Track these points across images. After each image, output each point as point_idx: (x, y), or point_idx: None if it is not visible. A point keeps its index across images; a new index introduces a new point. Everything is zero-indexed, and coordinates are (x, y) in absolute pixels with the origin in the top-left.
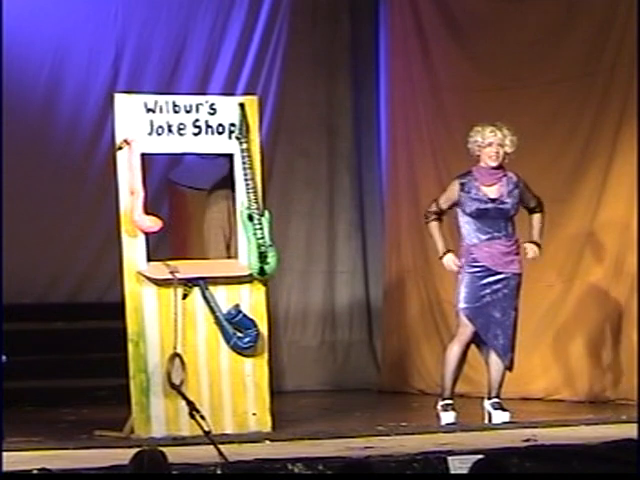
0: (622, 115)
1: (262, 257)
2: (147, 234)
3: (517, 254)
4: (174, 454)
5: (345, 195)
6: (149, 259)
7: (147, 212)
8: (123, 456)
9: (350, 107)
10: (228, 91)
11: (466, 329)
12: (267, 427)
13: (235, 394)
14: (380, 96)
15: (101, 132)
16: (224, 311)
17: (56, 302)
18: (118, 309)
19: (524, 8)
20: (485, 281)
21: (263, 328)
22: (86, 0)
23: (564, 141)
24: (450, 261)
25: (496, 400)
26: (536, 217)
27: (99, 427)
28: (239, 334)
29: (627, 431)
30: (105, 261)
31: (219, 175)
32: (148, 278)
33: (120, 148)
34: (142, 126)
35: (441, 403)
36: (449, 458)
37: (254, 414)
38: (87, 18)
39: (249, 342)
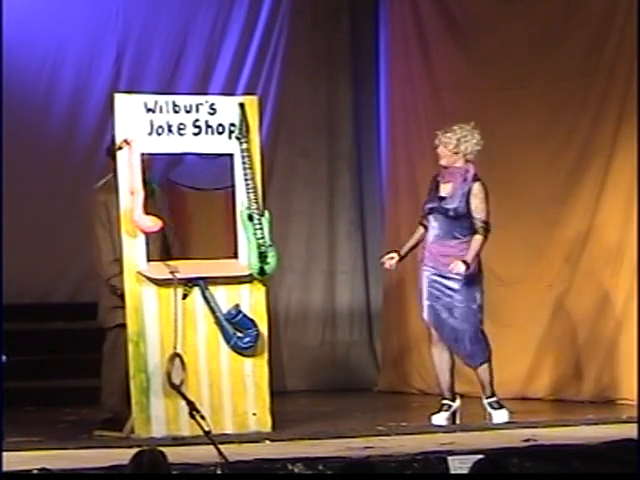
0: (621, 115)
1: (262, 257)
2: (147, 234)
3: (462, 256)
4: (174, 454)
5: (345, 195)
6: (149, 259)
7: (147, 212)
8: (123, 456)
9: (350, 107)
10: (228, 91)
11: (431, 329)
12: (267, 427)
13: (235, 394)
14: (380, 96)
15: (101, 132)
16: (224, 311)
17: (56, 302)
18: None
19: (524, 8)
20: (434, 282)
21: (263, 328)
22: (87, 0)
23: (563, 141)
24: (385, 258)
25: (493, 399)
26: (475, 239)
27: (99, 427)
28: (239, 334)
29: (627, 431)
30: None
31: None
32: (148, 278)
33: (120, 148)
34: (142, 126)
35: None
36: (449, 458)
37: (254, 414)
38: (88, 18)
39: (249, 342)
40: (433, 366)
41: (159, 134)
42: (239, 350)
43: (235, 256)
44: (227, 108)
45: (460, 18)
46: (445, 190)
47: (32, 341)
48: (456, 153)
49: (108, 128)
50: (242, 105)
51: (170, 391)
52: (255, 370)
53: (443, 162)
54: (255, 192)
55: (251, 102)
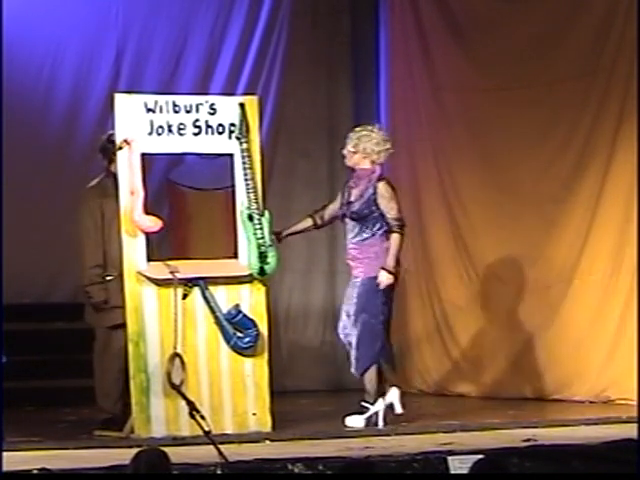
0: (621, 115)
1: (262, 257)
2: (147, 234)
3: (367, 259)
4: (174, 454)
5: None
6: (149, 259)
7: (147, 212)
8: (123, 456)
9: (350, 107)
10: (228, 91)
11: None
12: (267, 427)
13: (235, 394)
14: (380, 96)
15: (101, 132)
16: (224, 311)
17: (56, 302)
18: None
19: (524, 8)
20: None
21: (263, 328)
22: (87, 0)
23: (563, 141)
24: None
25: (362, 403)
26: (392, 238)
27: (99, 427)
28: (239, 334)
29: (627, 431)
30: None
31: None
32: (148, 278)
33: (120, 148)
34: (142, 126)
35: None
36: (449, 458)
37: (254, 414)
38: (88, 18)
39: (249, 342)
40: None
41: (159, 134)
42: (239, 350)
43: (235, 256)
44: (227, 108)
45: (460, 18)
46: (353, 194)
47: (32, 341)
48: (355, 152)
49: (108, 128)
50: (242, 105)
51: (170, 391)
52: (255, 370)
53: (347, 162)
54: (255, 192)
55: (251, 102)
